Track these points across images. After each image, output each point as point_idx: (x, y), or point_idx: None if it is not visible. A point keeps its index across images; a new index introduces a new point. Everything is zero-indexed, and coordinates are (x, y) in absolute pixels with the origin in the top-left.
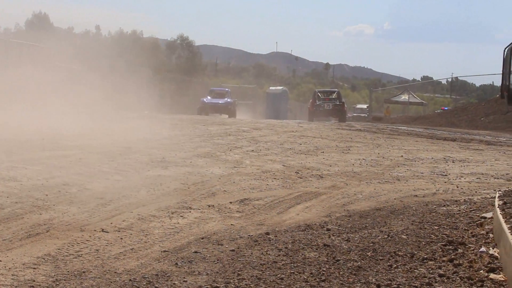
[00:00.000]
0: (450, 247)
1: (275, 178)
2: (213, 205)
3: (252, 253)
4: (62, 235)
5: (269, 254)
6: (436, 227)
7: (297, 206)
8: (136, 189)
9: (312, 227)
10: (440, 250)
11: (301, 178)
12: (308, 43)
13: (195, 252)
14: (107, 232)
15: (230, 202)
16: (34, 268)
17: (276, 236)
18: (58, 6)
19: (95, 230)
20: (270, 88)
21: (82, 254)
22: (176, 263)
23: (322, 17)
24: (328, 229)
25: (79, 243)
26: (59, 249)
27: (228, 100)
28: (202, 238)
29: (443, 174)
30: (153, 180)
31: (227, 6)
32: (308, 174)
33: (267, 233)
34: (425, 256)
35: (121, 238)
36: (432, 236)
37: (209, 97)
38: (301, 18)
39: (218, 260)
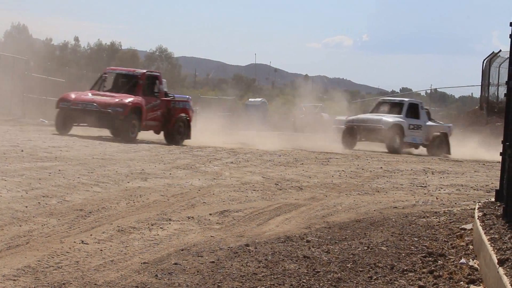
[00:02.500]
0: (430, 258)
1: (254, 190)
2: (192, 217)
3: (232, 265)
4: (42, 247)
5: (249, 266)
6: (416, 239)
7: (277, 217)
8: (115, 200)
9: (292, 238)
10: (420, 261)
11: (280, 189)
12: (287, 54)
13: (175, 264)
14: (87, 244)
15: (210, 214)
16: (14, 280)
17: (256, 248)
18: (37, 17)
19: (75, 242)
20: (249, 99)
21: (62, 265)
22: (156, 275)
23: (301, 28)
24: (308, 241)
25: (59, 255)
26: (39, 260)
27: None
28: (182, 250)
29: (423, 185)
30: (132, 192)
31: (205, 18)
32: (288, 185)
33: (247, 245)
34: (405, 268)
35: (101, 250)
36: (412, 248)
37: None
38: (280, 29)
39: (198, 272)
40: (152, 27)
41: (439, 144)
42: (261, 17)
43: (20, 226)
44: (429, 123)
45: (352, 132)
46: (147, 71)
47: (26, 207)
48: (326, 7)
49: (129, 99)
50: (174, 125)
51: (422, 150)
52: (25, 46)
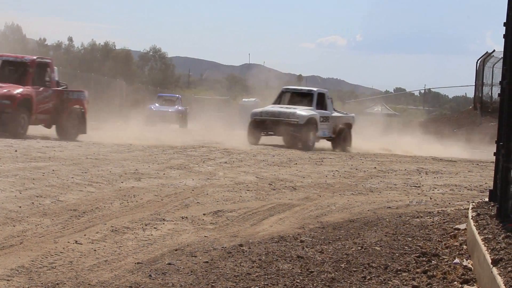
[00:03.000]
0: (424, 258)
1: (248, 190)
2: (186, 217)
3: (226, 265)
4: (35, 247)
5: (242, 266)
6: (409, 239)
7: (271, 217)
8: (109, 201)
9: (285, 238)
10: (414, 261)
11: (274, 189)
12: (281, 54)
13: (169, 264)
14: (81, 244)
15: (204, 214)
16: (8, 280)
17: (249, 248)
18: (31, 18)
19: (68, 242)
20: (243, 100)
21: (55, 266)
22: (150, 275)
23: (294, 28)
24: (301, 241)
25: (52, 255)
26: (32, 261)
27: (179, 108)
28: (176, 250)
29: (417, 185)
30: (126, 192)
31: (199, 18)
32: (282, 185)
33: (241, 245)
34: (399, 268)
35: (95, 250)
36: (406, 248)
37: (156, 104)
38: (273, 29)
39: (192, 272)
40: (146, 27)
41: (345, 136)
42: (254, 17)
43: (14, 226)
44: (335, 113)
45: (260, 126)
46: (37, 58)
47: (20, 207)
48: (320, 7)
49: (17, 90)
50: (68, 118)
51: (322, 143)
52: (19, 46)
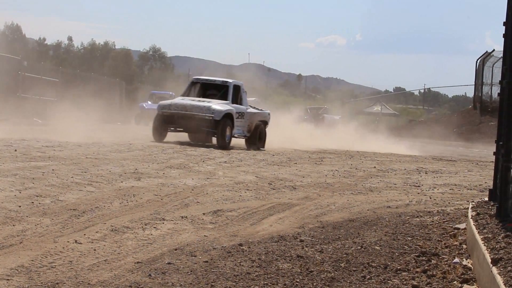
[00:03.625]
0: (424, 258)
1: (248, 189)
2: (186, 217)
3: (225, 265)
4: (35, 247)
5: (242, 266)
6: (409, 238)
7: (270, 217)
8: (109, 200)
9: (285, 238)
10: (414, 261)
11: (274, 189)
12: (281, 54)
13: (169, 263)
14: (81, 244)
15: (203, 213)
16: (8, 279)
17: (249, 247)
18: (31, 17)
19: (68, 242)
20: None
21: (55, 265)
22: (150, 275)
23: (294, 28)
24: (301, 240)
25: (52, 255)
26: (32, 260)
27: None
28: (176, 250)
29: (416, 185)
30: (126, 192)
31: (199, 18)
32: (281, 185)
33: (241, 244)
34: (399, 267)
35: (95, 250)
36: (406, 247)
37: (149, 102)
38: (273, 29)
39: (191, 271)
40: (145, 27)
41: (260, 135)
42: (254, 17)
43: (13, 225)
44: (250, 109)
45: (168, 120)
46: None
47: (20, 206)
48: (319, 6)
49: None
50: None
51: (235, 141)
52: (18, 46)
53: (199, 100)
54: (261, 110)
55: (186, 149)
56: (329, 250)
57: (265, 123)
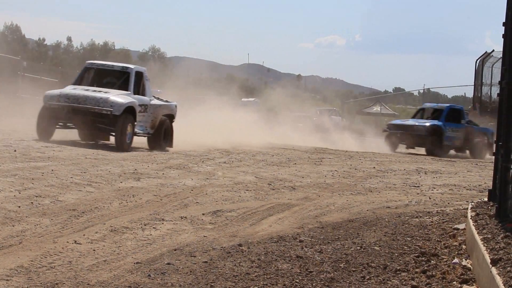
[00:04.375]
0: (423, 258)
1: (247, 190)
2: (185, 217)
3: (225, 265)
4: (35, 247)
5: (242, 266)
6: (409, 239)
7: (270, 217)
8: (108, 200)
9: (284, 238)
10: (413, 261)
11: (273, 189)
12: (280, 54)
13: (168, 263)
14: (80, 244)
15: (203, 214)
16: (7, 280)
17: (249, 248)
18: (30, 18)
19: (67, 242)
20: (242, 99)
21: (55, 265)
22: (149, 275)
23: (294, 28)
24: (300, 241)
25: (52, 255)
26: (32, 261)
27: None
28: (175, 250)
29: (416, 185)
30: (125, 192)
31: (199, 18)
32: (281, 185)
33: (240, 245)
34: (398, 268)
35: (94, 250)
36: (405, 248)
37: None
38: (273, 29)
39: (191, 271)
40: (145, 27)
41: (166, 132)
42: (254, 17)
43: (13, 226)
44: (155, 101)
45: (56, 115)
46: None
47: (19, 207)
48: (319, 7)
49: None
50: None
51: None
52: (18, 46)
53: (95, 90)
54: (166, 101)
55: (185, 149)
56: (328, 250)
57: (171, 117)
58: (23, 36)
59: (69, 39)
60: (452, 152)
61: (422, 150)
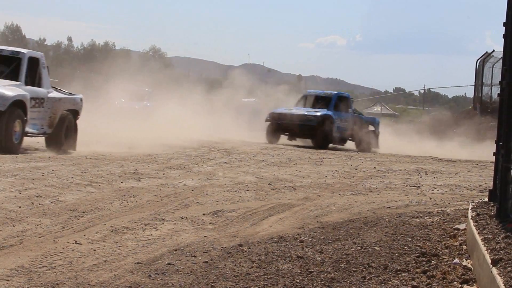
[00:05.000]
0: (424, 258)
1: (248, 190)
2: (186, 217)
3: (225, 265)
4: (35, 247)
5: (242, 266)
6: (409, 239)
7: (270, 218)
8: (109, 201)
9: (285, 238)
10: (414, 261)
11: (274, 189)
12: (280, 54)
13: (169, 264)
14: (80, 244)
15: (203, 214)
16: (8, 280)
17: (249, 248)
18: (30, 18)
19: (68, 242)
20: (243, 99)
21: (55, 266)
22: (150, 275)
23: (294, 28)
24: (301, 241)
25: (52, 255)
26: (32, 261)
27: (148, 104)
28: (176, 250)
29: (416, 185)
30: (126, 192)
31: (199, 18)
32: (281, 185)
33: (240, 245)
34: (399, 268)
35: (95, 250)
36: (406, 248)
37: (122, 100)
38: (273, 29)
39: (191, 272)
40: (145, 27)
41: (68, 131)
42: (254, 17)
43: (13, 226)
44: (54, 93)
45: None
46: None
47: (20, 207)
48: (319, 7)
49: None
50: None
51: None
52: (18, 46)
53: None
54: (70, 93)
55: (186, 150)
56: (329, 250)
57: (75, 113)
58: (23, 36)
59: (69, 39)
60: (330, 144)
61: (305, 142)
